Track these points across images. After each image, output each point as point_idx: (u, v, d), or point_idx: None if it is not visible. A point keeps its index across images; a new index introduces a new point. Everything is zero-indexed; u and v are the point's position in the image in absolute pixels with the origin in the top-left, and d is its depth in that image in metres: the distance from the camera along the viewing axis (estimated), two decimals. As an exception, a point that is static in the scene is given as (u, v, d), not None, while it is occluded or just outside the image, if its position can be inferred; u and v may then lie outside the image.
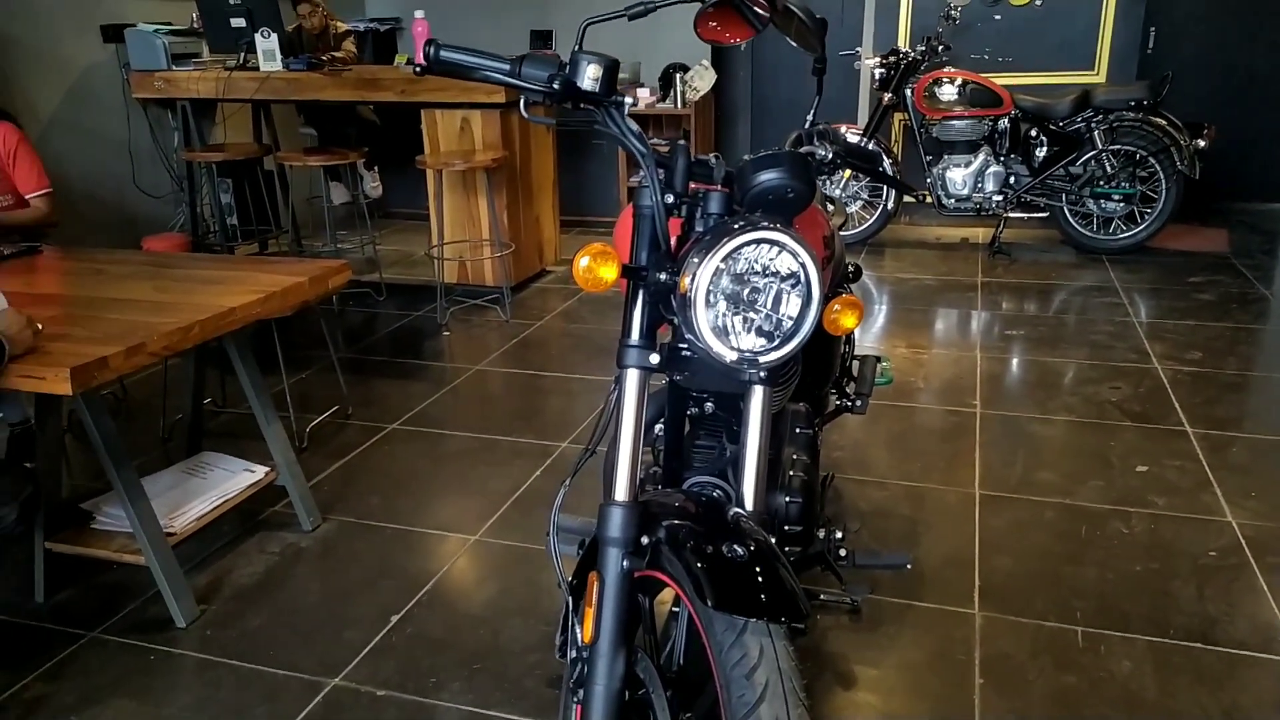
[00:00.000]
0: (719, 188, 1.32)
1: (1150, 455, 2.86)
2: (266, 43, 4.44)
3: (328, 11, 5.39)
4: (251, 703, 1.93)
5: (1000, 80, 5.15)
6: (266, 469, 2.52)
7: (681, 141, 1.37)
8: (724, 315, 1.23)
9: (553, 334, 4.16)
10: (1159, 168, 4.88)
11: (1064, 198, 5.09)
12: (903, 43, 5.95)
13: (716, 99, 6.20)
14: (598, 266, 1.22)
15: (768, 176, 1.26)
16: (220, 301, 2.15)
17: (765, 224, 1.21)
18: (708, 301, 1.21)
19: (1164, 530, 2.46)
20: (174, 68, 4.56)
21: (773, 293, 1.24)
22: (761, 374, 1.29)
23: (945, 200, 5.22)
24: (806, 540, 1.74)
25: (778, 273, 1.23)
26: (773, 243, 1.22)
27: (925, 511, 2.59)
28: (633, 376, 1.27)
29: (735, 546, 1.15)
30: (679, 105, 5.70)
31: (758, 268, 1.23)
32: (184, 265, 2.58)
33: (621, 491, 1.25)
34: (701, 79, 5.79)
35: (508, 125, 4.41)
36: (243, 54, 4.59)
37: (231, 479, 2.47)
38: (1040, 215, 5.22)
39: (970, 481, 2.73)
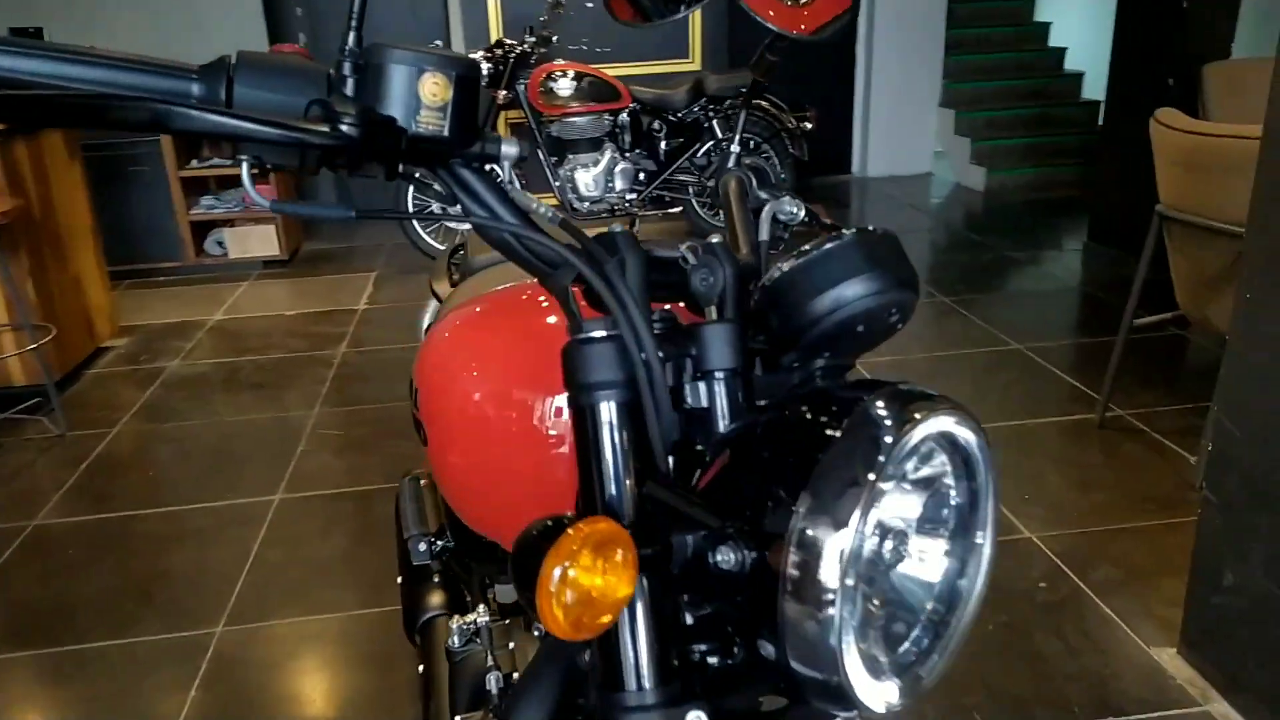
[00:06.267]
0: (721, 319, 0.63)
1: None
2: None
3: None
4: None
5: (612, 71, 4.81)
6: None
7: (618, 227, 0.65)
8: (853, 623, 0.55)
9: (139, 443, 2.99)
10: (773, 153, 4.87)
11: (690, 190, 4.91)
12: (496, 33, 5.39)
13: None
14: (611, 577, 0.47)
15: (857, 291, 0.60)
16: None
17: (928, 393, 0.55)
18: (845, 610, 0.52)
19: (981, 567, 2.20)
20: None
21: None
22: None
23: (577, 204, 4.78)
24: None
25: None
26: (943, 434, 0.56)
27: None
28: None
29: None
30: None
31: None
32: None
33: None
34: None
35: (12, 162, 3.09)
36: None
37: None
38: (674, 210, 5.00)
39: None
